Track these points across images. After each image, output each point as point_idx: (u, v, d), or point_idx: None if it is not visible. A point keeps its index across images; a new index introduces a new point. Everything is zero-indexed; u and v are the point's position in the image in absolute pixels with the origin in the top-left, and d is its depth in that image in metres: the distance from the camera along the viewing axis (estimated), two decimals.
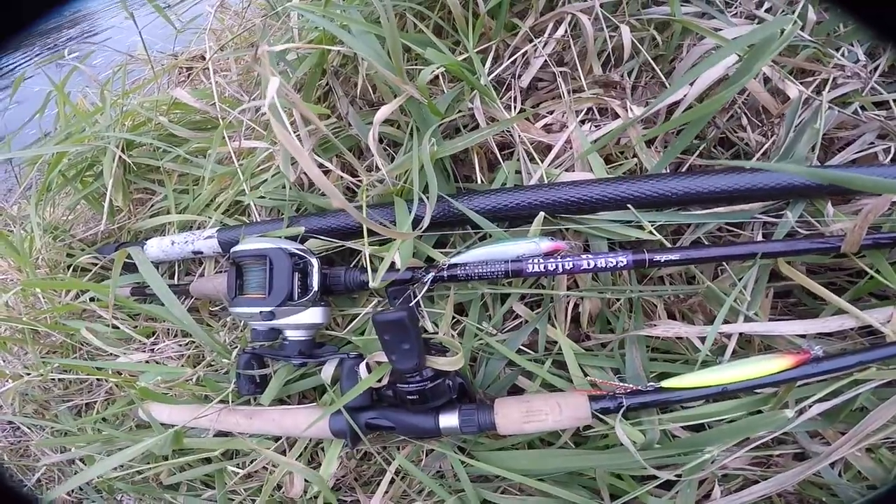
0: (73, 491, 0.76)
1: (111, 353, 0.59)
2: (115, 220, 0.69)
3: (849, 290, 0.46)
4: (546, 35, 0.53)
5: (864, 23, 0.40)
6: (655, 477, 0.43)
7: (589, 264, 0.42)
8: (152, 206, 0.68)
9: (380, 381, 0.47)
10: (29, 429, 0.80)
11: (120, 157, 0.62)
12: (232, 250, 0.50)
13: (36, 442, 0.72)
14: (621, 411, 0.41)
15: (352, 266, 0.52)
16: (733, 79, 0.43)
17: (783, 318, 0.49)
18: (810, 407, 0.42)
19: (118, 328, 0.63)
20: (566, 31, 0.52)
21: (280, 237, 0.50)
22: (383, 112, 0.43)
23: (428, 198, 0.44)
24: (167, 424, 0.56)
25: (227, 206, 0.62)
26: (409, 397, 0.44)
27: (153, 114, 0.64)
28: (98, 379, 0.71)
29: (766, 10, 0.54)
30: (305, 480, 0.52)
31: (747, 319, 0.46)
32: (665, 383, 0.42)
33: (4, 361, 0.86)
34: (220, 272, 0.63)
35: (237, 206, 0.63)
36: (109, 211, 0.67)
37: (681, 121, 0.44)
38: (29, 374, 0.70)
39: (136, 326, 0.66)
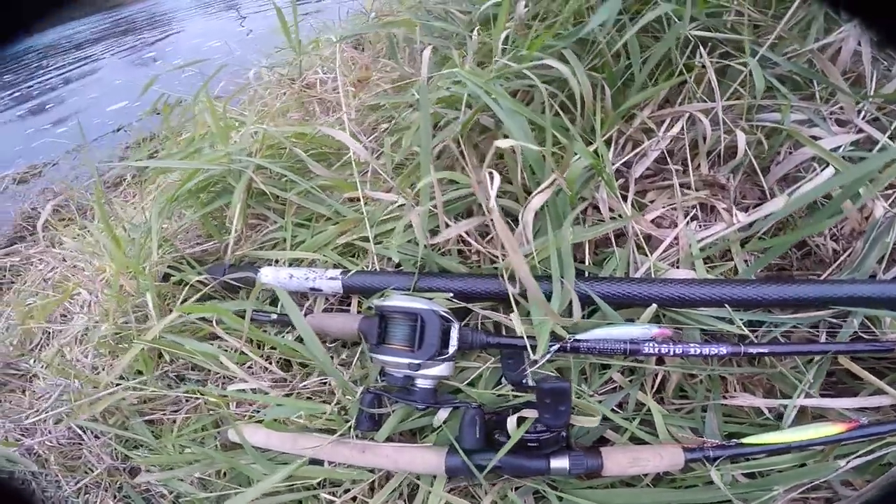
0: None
1: (240, 380, 0.65)
2: (223, 240, 0.74)
3: (888, 375, 0.58)
4: (662, 130, 0.60)
5: (868, 26, 0.47)
6: None
7: (696, 351, 0.53)
8: (265, 232, 0.73)
9: (498, 425, 0.56)
10: (83, 431, 0.81)
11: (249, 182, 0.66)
12: (379, 303, 0.58)
13: (142, 460, 0.73)
14: (717, 462, 0.52)
15: (466, 326, 0.61)
16: (833, 205, 0.53)
17: (827, 393, 0.61)
18: (849, 461, 0.54)
19: (217, 353, 0.68)
20: (683, 128, 0.60)
21: (425, 299, 0.58)
22: (538, 201, 0.50)
23: (563, 280, 0.53)
24: (261, 448, 0.60)
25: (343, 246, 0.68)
26: (530, 444, 0.54)
27: (288, 142, 0.67)
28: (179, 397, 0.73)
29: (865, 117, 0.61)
30: None
31: (807, 396, 0.57)
32: (745, 440, 0.54)
33: (79, 364, 0.89)
34: (329, 310, 0.70)
35: (350, 248, 0.69)
36: (217, 231, 0.72)
37: (781, 241, 0.54)
38: (122, 385, 0.73)
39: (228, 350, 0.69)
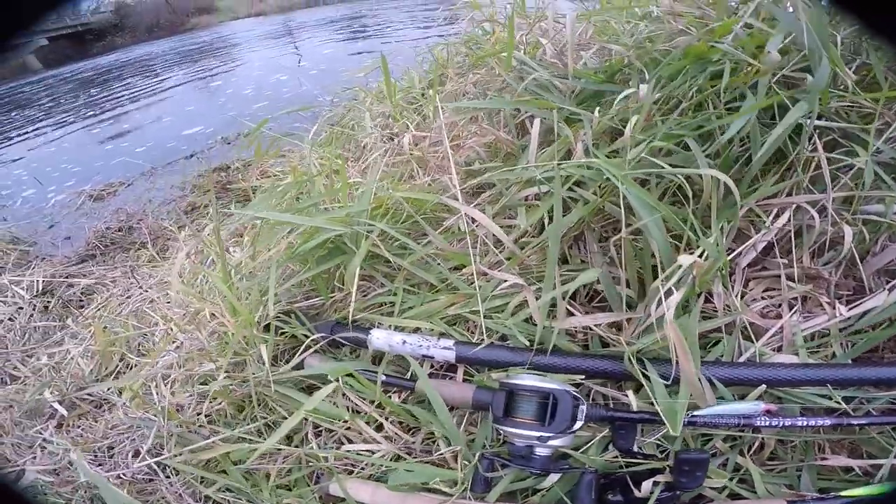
0: None
1: (372, 440, 0.70)
2: (328, 298, 0.78)
3: None
4: (770, 219, 0.65)
5: (869, 27, 0.50)
6: None
7: (801, 423, 0.59)
8: (373, 295, 0.76)
9: (608, 487, 0.63)
10: (160, 469, 0.82)
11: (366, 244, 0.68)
12: (507, 381, 0.63)
13: None
14: None
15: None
16: None
17: None
18: None
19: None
20: (789, 219, 0.64)
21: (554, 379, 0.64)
22: (676, 299, 0.55)
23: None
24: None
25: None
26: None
27: (408, 207, 0.70)
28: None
29: None
30: None
31: None
32: (843, 493, 0.61)
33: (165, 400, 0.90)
34: (434, 376, 0.74)
35: (456, 317, 0.73)
36: (325, 288, 0.76)
37: (878, 335, 0.60)
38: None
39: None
